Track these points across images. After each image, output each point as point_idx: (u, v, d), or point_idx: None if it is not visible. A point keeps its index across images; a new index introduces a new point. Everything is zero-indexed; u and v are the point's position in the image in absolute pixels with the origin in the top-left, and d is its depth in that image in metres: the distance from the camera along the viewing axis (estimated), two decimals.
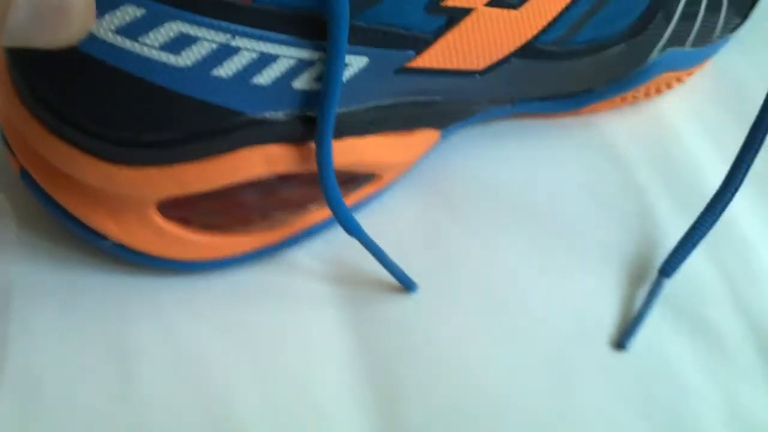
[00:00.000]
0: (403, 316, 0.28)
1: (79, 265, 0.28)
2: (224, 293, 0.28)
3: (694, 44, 0.32)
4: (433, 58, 0.26)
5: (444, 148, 0.32)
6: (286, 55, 0.24)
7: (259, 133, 0.25)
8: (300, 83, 0.24)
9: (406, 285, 0.28)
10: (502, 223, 0.31)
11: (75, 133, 0.25)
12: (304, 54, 0.24)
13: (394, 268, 0.28)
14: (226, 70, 0.23)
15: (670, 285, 0.29)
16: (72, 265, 0.28)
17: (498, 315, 0.28)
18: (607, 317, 0.29)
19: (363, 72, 0.25)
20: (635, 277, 0.30)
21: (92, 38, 0.22)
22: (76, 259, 0.28)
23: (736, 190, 0.28)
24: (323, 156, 0.25)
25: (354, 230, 0.27)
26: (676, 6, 0.31)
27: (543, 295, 0.29)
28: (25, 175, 0.27)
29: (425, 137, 0.29)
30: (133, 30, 0.22)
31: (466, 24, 0.26)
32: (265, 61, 0.23)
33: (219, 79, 0.23)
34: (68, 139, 0.25)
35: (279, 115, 0.25)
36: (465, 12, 0.25)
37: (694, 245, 0.29)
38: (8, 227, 0.28)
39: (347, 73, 0.25)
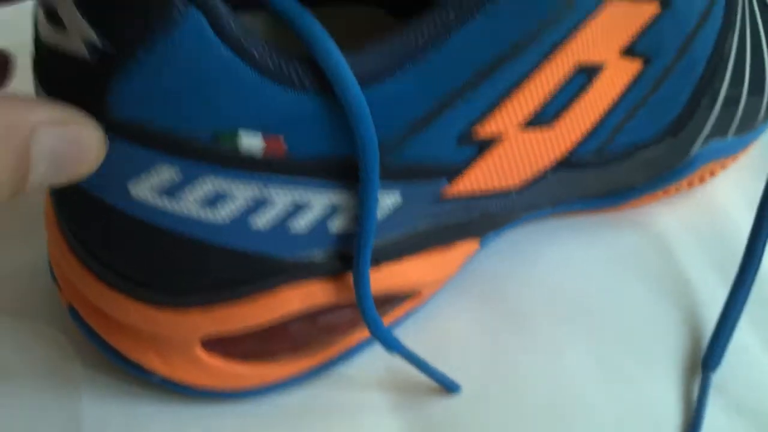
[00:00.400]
0: (459, 420, 0.28)
1: (141, 396, 0.28)
2: (278, 415, 0.28)
3: (738, 132, 0.32)
4: (466, 184, 0.26)
5: (489, 248, 0.31)
6: (320, 200, 0.24)
7: (297, 273, 0.25)
8: (335, 225, 0.24)
9: (451, 389, 0.28)
10: (554, 324, 0.30)
11: (118, 280, 0.25)
12: (338, 198, 0.24)
13: (437, 375, 0.28)
14: (262, 220, 0.23)
15: (723, 376, 0.29)
16: (135, 397, 0.28)
17: (556, 418, 0.28)
18: (672, 420, 0.28)
19: (398, 207, 0.25)
20: (695, 373, 0.29)
21: (129, 198, 0.23)
22: (138, 390, 0.28)
23: (758, 265, 0.28)
24: (362, 289, 0.25)
25: (395, 348, 0.27)
26: (717, 95, 0.30)
27: (602, 398, 0.29)
28: (72, 310, 0.28)
29: (464, 249, 0.29)
30: (168, 189, 0.22)
31: (498, 150, 0.26)
32: (299, 208, 0.24)
33: (255, 230, 0.24)
34: (111, 284, 0.25)
35: (316, 255, 0.25)
36: (497, 139, 0.25)
37: (730, 332, 0.29)
38: (72, 362, 0.29)
39: (381, 209, 0.25)
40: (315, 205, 0.24)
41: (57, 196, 0.25)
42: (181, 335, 0.26)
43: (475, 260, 0.31)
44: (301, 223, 0.24)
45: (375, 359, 0.29)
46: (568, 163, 0.28)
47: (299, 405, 0.28)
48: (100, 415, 0.28)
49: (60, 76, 0.22)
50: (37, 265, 0.31)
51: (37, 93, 0.23)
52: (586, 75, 0.26)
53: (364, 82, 0.22)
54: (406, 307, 0.29)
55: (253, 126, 0.22)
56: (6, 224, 0.32)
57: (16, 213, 0.32)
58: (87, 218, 0.24)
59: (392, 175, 0.24)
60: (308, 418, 0.28)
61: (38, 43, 0.23)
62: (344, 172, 0.23)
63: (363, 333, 0.28)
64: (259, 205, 0.23)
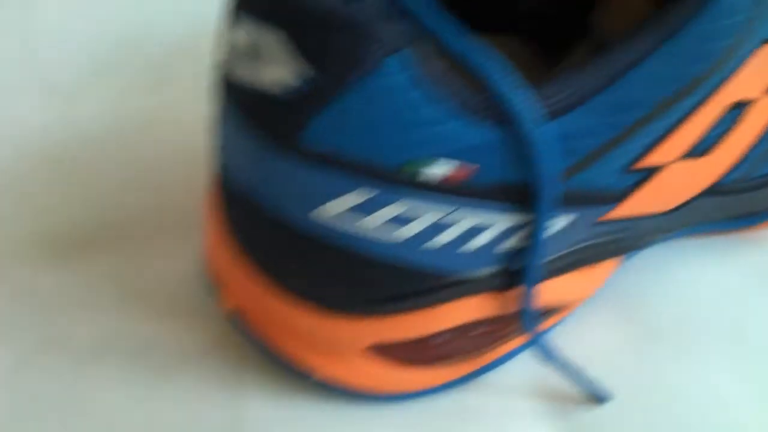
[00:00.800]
0: (609, 429, 0.29)
1: (300, 395, 0.30)
2: (430, 419, 0.29)
3: None
4: (624, 209, 0.28)
5: (625, 264, 0.33)
6: (496, 223, 0.25)
7: (464, 289, 0.27)
8: (506, 245, 0.26)
9: (601, 399, 0.30)
10: (695, 338, 0.31)
11: (290, 288, 0.27)
12: (512, 221, 0.25)
13: (589, 384, 0.29)
14: (440, 240, 0.25)
15: None
16: (294, 396, 0.30)
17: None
18: None
19: (563, 229, 0.27)
20: None
21: (311, 220, 0.25)
22: (297, 390, 0.30)
23: None
24: (526, 305, 0.27)
25: (552, 358, 0.29)
26: None
27: (750, 414, 0.29)
28: (234, 313, 0.29)
29: (607, 267, 0.31)
30: (353, 213, 0.24)
31: (656, 179, 0.27)
32: (477, 230, 0.25)
33: (430, 250, 0.25)
34: (283, 291, 0.27)
35: (485, 272, 0.27)
36: (657, 169, 0.27)
37: None
38: (231, 363, 0.31)
39: (549, 232, 0.26)
40: (490, 228, 0.25)
41: (231, 210, 0.27)
42: (349, 342, 0.28)
43: (614, 276, 0.32)
44: (476, 243, 0.26)
45: (520, 368, 0.31)
46: (714, 189, 0.29)
47: (451, 409, 0.30)
48: (262, 414, 0.29)
49: (255, 107, 0.24)
50: (188, 270, 0.33)
51: (225, 116, 0.25)
52: (738, 110, 0.27)
53: (545, 116, 0.24)
54: (554, 319, 0.30)
55: (440, 155, 0.24)
56: (154, 232, 0.35)
57: (161, 221, 0.35)
58: (263, 234, 0.26)
59: (564, 201, 0.26)
60: (460, 422, 0.29)
61: (230, 73, 0.24)
62: (520, 197, 0.25)
63: (515, 343, 0.30)
64: (440, 227, 0.25)
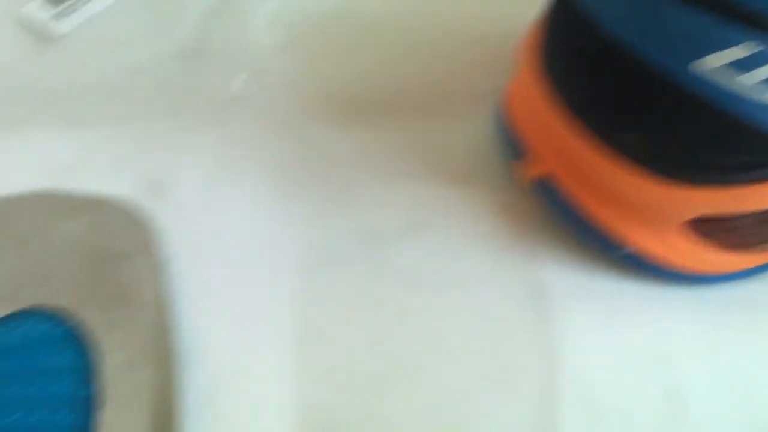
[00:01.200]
0: None
1: (601, 270, 0.30)
2: (719, 306, 0.30)
3: None
4: None
5: None
6: None
7: None
8: None
9: None
10: None
11: (626, 149, 0.27)
12: None
13: None
14: None
15: None
16: (595, 270, 0.30)
17: None
18: None
19: None
20: None
21: (686, 72, 0.24)
22: (598, 264, 0.30)
23: None
24: None
25: None
26: None
27: None
28: (541, 182, 0.29)
29: None
30: (737, 68, 0.24)
31: None
32: None
33: None
34: (618, 154, 0.27)
35: None
36: None
37: None
38: (529, 232, 0.31)
39: None
40: None
41: (570, 64, 0.27)
42: (675, 212, 0.28)
43: None
44: None
45: None
46: None
47: (738, 300, 0.30)
48: (561, 281, 0.30)
49: None
50: (478, 140, 0.33)
51: None
52: None
53: None
54: None
55: None
56: (444, 101, 0.35)
57: (450, 91, 0.35)
58: (614, 87, 0.26)
59: None
60: (745, 313, 0.29)
61: None
62: None
63: None
64: None
